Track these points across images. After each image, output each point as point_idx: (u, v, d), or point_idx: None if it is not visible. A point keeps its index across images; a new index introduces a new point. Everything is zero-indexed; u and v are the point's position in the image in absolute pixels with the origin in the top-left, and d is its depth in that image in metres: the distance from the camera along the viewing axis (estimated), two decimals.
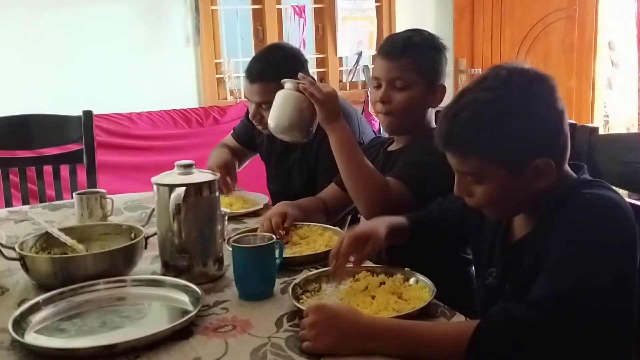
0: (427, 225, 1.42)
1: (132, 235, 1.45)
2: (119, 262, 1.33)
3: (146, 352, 1.03)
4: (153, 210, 1.41)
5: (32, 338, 1.09)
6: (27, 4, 3.23)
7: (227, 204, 1.87)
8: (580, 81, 3.76)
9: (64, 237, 1.43)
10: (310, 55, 3.90)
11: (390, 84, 1.60)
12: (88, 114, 2.38)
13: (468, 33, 4.29)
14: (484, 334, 0.99)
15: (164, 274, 1.35)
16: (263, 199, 1.99)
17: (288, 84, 1.62)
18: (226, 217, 1.54)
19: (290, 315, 1.16)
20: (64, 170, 2.39)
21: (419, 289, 1.22)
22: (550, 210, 1.11)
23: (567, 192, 1.11)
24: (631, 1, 3.51)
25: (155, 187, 1.33)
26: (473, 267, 1.52)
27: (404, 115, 1.60)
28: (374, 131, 2.17)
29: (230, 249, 1.30)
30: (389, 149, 1.73)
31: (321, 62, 4.11)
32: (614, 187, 1.15)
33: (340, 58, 4.14)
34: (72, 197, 1.79)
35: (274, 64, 1.88)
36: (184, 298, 1.23)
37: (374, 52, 3.88)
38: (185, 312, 1.16)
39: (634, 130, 3.63)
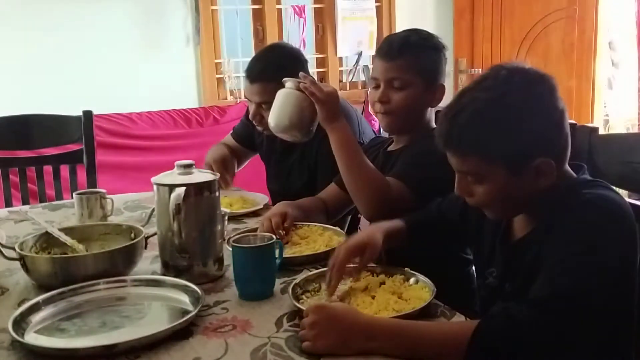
0: (426, 226, 1.42)
1: (132, 235, 1.45)
2: (119, 262, 1.33)
3: (146, 352, 1.03)
4: (153, 210, 1.41)
5: (32, 338, 1.09)
6: (27, 4, 3.22)
7: (227, 204, 1.87)
8: (580, 81, 3.75)
9: (64, 237, 1.43)
10: (310, 55, 3.90)
11: (388, 84, 1.60)
12: (88, 114, 2.38)
13: (468, 33, 4.28)
14: (484, 334, 0.99)
15: (164, 274, 1.35)
16: (263, 199, 1.99)
17: (289, 82, 1.62)
18: (226, 217, 1.54)
19: (290, 315, 1.16)
20: (64, 170, 2.38)
21: (419, 289, 1.22)
22: (550, 210, 1.11)
23: (567, 192, 1.11)
24: (631, 1, 3.51)
25: (155, 187, 1.33)
26: (473, 267, 1.51)
27: (402, 115, 1.60)
28: (374, 131, 2.17)
29: (230, 249, 1.30)
30: (389, 149, 1.73)
31: (321, 62, 4.11)
32: (614, 187, 1.15)
33: (340, 58, 4.13)
34: (72, 197, 1.78)
35: (274, 64, 1.88)
36: (184, 298, 1.23)
37: (374, 52, 3.87)
38: (185, 312, 1.16)
39: (634, 130, 3.63)
